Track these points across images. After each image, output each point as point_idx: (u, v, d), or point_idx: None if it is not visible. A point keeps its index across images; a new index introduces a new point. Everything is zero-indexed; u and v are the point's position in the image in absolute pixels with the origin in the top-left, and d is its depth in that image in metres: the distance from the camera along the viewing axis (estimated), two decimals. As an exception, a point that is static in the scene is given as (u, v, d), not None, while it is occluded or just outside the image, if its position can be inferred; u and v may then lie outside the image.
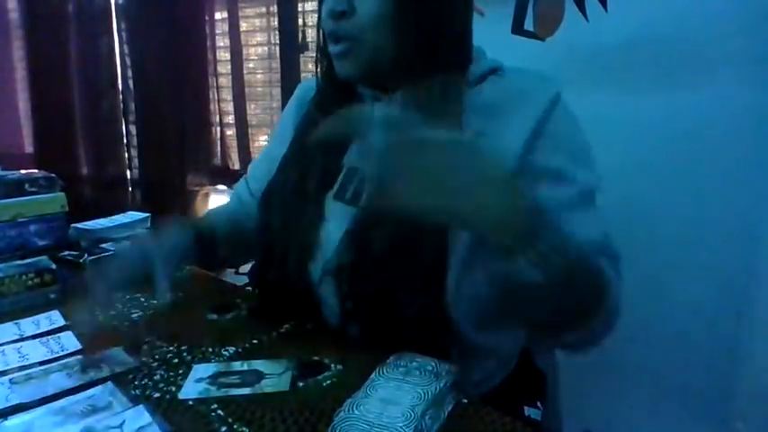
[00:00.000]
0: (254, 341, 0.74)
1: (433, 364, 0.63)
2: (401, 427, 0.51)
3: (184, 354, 0.71)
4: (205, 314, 0.83)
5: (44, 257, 0.94)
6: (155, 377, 0.65)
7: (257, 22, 1.90)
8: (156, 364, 0.68)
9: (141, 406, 0.57)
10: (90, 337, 0.71)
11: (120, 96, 2.18)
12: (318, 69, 0.78)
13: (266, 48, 1.89)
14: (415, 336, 0.67)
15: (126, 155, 2.21)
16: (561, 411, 0.85)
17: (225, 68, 1.91)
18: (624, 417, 1.23)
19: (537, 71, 0.73)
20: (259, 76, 1.92)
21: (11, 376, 0.64)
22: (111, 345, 0.71)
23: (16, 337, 0.75)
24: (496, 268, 0.53)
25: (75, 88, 2.23)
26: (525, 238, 0.49)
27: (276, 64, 1.81)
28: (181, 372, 0.66)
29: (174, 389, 0.62)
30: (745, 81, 1.01)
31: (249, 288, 0.87)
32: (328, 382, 0.63)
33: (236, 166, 1.94)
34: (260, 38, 1.91)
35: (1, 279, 0.84)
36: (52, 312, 0.83)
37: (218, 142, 1.95)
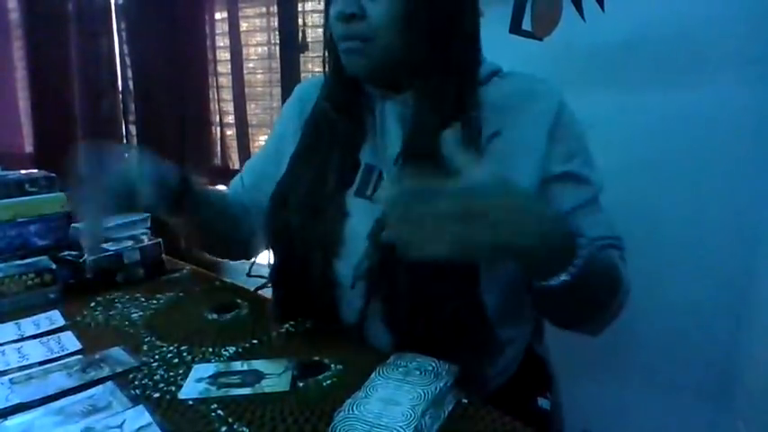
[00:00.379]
0: (254, 341, 0.74)
1: (433, 364, 0.63)
2: (401, 427, 0.51)
3: (184, 354, 0.71)
4: (205, 314, 0.83)
5: (44, 257, 0.94)
6: (155, 377, 0.65)
7: (257, 22, 1.90)
8: (156, 364, 0.68)
9: (141, 406, 0.58)
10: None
11: (120, 96, 2.18)
12: (326, 67, 0.78)
13: (266, 48, 1.89)
14: (451, 334, 0.69)
15: (126, 155, 2.21)
16: (561, 398, 0.86)
17: (225, 68, 1.90)
18: (624, 416, 1.23)
19: (533, 74, 0.76)
20: (259, 76, 1.92)
21: (11, 376, 0.64)
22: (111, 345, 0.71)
23: (16, 337, 0.76)
24: (535, 283, 0.58)
25: (75, 88, 2.23)
26: (566, 259, 0.55)
27: (276, 64, 1.81)
28: (181, 372, 0.66)
29: (174, 389, 0.62)
30: (745, 81, 1.01)
31: (271, 287, 0.84)
32: (328, 382, 0.63)
33: (236, 166, 1.94)
34: (260, 38, 1.91)
35: (1, 279, 0.84)
36: (52, 312, 0.83)
37: (218, 142, 1.95)
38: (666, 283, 1.09)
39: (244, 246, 0.90)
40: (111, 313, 0.84)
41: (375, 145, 0.75)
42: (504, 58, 0.78)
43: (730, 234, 1.06)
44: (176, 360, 0.69)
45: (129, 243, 1.01)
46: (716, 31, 1.02)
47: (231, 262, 1.06)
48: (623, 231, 0.75)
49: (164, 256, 1.04)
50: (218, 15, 1.89)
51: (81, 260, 0.93)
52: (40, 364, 0.68)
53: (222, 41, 1.90)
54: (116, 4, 2.12)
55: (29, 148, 2.41)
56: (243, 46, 1.86)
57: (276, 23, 1.77)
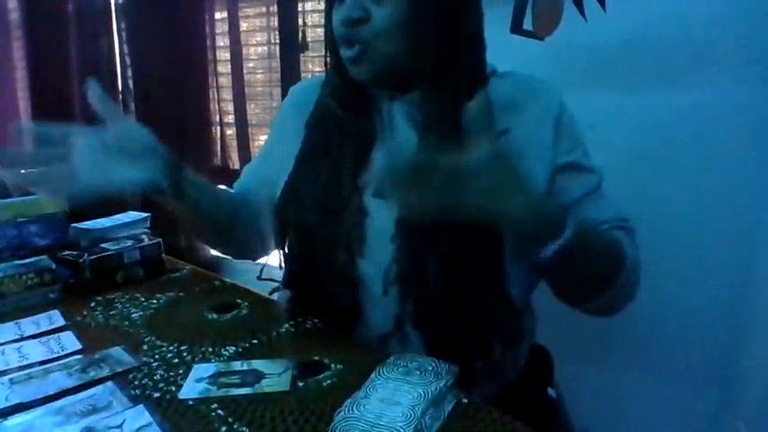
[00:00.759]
0: (254, 341, 0.74)
1: (433, 363, 0.63)
2: (401, 426, 0.51)
3: (184, 354, 0.71)
4: (205, 314, 0.83)
5: (44, 257, 0.94)
6: (155, 377, 0.65)
7: (257, 21, 1.90)
8: (156, 364, 0.68)
9: (141, 406, 0.58)
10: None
11: (120, 96, 2.18)
12: (328, 67, 0.78)
13: (266, 47, 1.89)
14: (485, 329, 0.72)
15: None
16: (562, 391, 0.88)
17: (225, 68, 1.90)
18: (624, 415, 1.23)
19: (529, 74, 0.78)
20: (259, 75, 1.92)
21: (11, 376, 0.64)
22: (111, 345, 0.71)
23: (16, 337, 0.75)
24: (534, 262, 0.63)
25: (75, 88, 2.23)
26: (556, 231, 0.60)
27: (276, 64, 1.81)
28: (181, 372, 0.66)
29: (174, 389, 0.62)
30: (745, 81, 1.00)
31: (285, 288, 0.84)
32: (328, 382, 0.63)
33: (236, 166, 1.94)
34: (260, 38, 1.91)
35: (1, 279, 0.84)
36: (52, 312, 0.83)
37: (218, 142, 1.95)
38: (666, 282, 1.09)
39: (242, 244, 0.90)
40: (111, 313, 0.84)
41: (385, 143, 0.76)
42: (504, 58, 0.78)
43: (730, 234, 1.06)
44: (176, 360, 0.69)
45: (129, 243, 1.00)
46: (716, 32, 1.02)
47: (232, 261, 1.06)
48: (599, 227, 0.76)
49: (164, 256, 1.04)
50: (218, 15, 1.89)
51: (81, 260, 0.93)
52: (40, 363, 0.68)
53: (222, 41, 1.90)
54: (116, 4, 2.13)
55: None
56: (243, 46, 1.86)
57: (276, 23, 1.77)
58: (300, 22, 1.67)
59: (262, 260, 0.93)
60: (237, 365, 0.67)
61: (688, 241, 1.09)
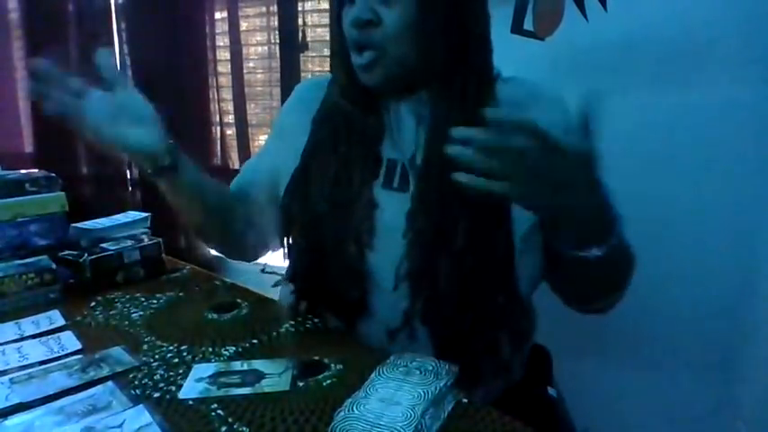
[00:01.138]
0: (254, 341, 0.74)
1: (433, 363, 0.63)
2: (401, 426, 0.51)
3: (184, 354, 0.71)
4: (205, 314, 0.83)
5: (44, 257, 0.94)
6: (155, 377, 0.65)
7: (257, 21, 1.90)
8: (156, 363, 0.68)
9: (141, 406, 0.58)
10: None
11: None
12: (335, 69, 0.79)
13: (266, 47, 1.89)
14: (495, 325, 0.72)
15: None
16: (562, 391, 0.88)
17: (225, 68, 1.90)
18: (624, 415, 1.23)
19: (533, 80, 0.78)
20: (259, 75, 1.92)
21: (11, 376, 0.64)
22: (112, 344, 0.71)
23: (16, 337, 0.75)
24: (570, 255, 0.62)
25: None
26: (604, 232, 0.60)
27: (276, 63, 1.81)
28: (181, 372, 0.66)
29: (174, 389, 0.62)
30: (746, 81, 1.00)
31: (290, 282, 0.84)
32: (328, 382, 0.63)
33: (236, 166, 1.94)
34: (260, 37, 1.90)
35: (1, 279, 0.84)
36: (52, 312, 0.83)
37: (218, 142, 1.95)
38: (667, 281, 1.09)
39: (239, 240, 0.88)
40: (111, 313, 0.84)
41: (393, 140, 0.76)
42: (505, 58, 0.78)
43: (731, 234, 1.06)
44: (176, 360, 0.69)
45: (129, 243, 1.00)
46: (717, 31, 1.02)
47: (232, 261, 1.06)
48: (624, 231, 0.75)
49: (164, 255, 1.04)
50: (218, 15, 1.89)
51: (81, 260, 0.93)
52: (41, 363, 0.68)
53: (222, 41, 1.90)
54: (116, 4, 2.12)
55: (29, 148, 2.41)
56: (243, 45, 1.86)
57: (276, 23, 1.77)
58: (300, 21, 1.67)
59: (262, 259, 0.93)
60: (237, 365, 0.67)
61: (688, 241, 1.09)
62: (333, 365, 0.67)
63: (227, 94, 1.91)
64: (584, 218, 0.59)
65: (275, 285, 0.87)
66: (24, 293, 0.86)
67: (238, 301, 0.87)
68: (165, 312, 0.85)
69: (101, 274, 0.94)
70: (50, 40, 2.22)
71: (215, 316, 0.82)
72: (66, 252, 0.98)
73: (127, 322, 0.81)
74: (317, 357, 0.68)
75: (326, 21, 1.65)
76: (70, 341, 0.74)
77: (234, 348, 0.72)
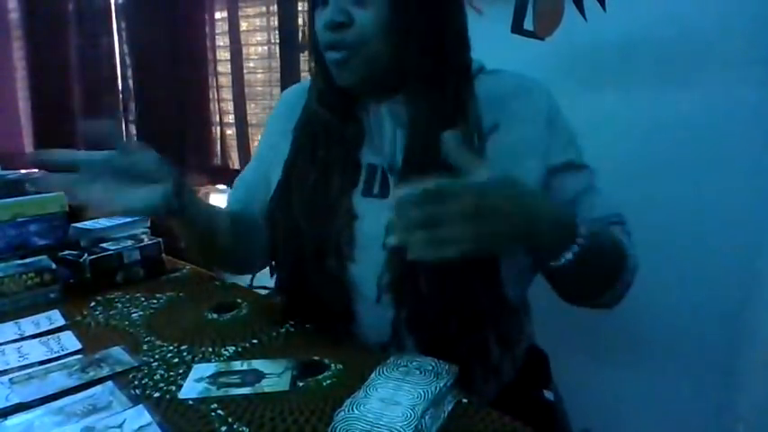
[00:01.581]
0: (254, 341, 0.74)
1: (433, 363, 0.63)
2: (401, 426, 0.51)
3: (184, 354, 0.71)
4: (205, 314, 0.83)
5: (44, 257, 0.94)
6: (155, 377, 0.65)
7: (257, 21, 1.90)
8: (156, 363, 0.68)
9: (141, 406, 0.58)
10: None
11: (120, 96, 2.18)
12: (312, 71, 0.78)
13: (266, 47, 1.89)
14: (480, 329, 0.72)
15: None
16: (560, 393, 0.88)
17: (225, 68, 1.90)
18: (624, 416, 1.23)
19: (518, 71, 0.77)
20: (259, 75, 1.92)
21: (11, 376, 0.64)
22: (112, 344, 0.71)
23: (16, 337, 0.75)
24: (544, 264, 0.63)
25: (75, 88, 2.23)
26: (569, 239, 0.59)
27: (276, 63, 1.81)
28: (181, 372, 0.66)
29: (174, 389, 0.62)
30: (748, 81, 1.00)
31: (278, 294, 0.84)
32: (328, 382, 0.63)
33: (236, 166, 1.94)
34: (260, 37, 1.90)
35: (1, 279, 0.84)
36: (52, 312, 0.83)
37: (218, 142, 1.95)
38: (667, 281, 1.09)
39: (244, 260, 0.88)
40: (111, 313, 0.84)
41: (373, 144, 0.75)
42: (505, 57, 0.77)
43: (732, 234, 1.05)
44: (176, 360, 0.69)
45: (129, 243, 1.01)
46: (719, 31, 1.02)
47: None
48: (597, 224, 0.76)
49: (164, 255, 1.04)
50: (218, 15, 1.89)
51: (81, 260, 0.93)
52: (40, 363, 0.68)
53: (222, 41, 1.90)
54: (116, 4, 2.12)
55: (29, 148, 2.41)
56: (243, 45, 1.86)
57: (276, 23, 1.77)
58: (300, 21, 1.67)
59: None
60: (237, 365, 0.67)
61: (689, 242, 1.09)
62: (333, 365, 0.67)
63: (227, 94, 1.91)
64: (544, 236, 0.58)
65: (264, 299, 0.87)
66: (24, 293, 0.86)
67: (238, 301, 0.87)
68: (165, 312, 0.85)
69: (101, 274, 0.94)
70: (50, 40, 2.23)
71: (215, 316, 0.82)
72: (66, 252, 0.98)
73: (127, 322, 0.81)
74: (316, 357, 0.68)
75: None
76: (70, 341, 0.74)
77: (234, 348, 0.72)
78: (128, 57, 2.11)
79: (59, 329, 0.78)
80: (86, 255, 0.94)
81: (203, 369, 0.66)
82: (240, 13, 1.84)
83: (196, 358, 0.69)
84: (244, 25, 1.87)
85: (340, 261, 0.72)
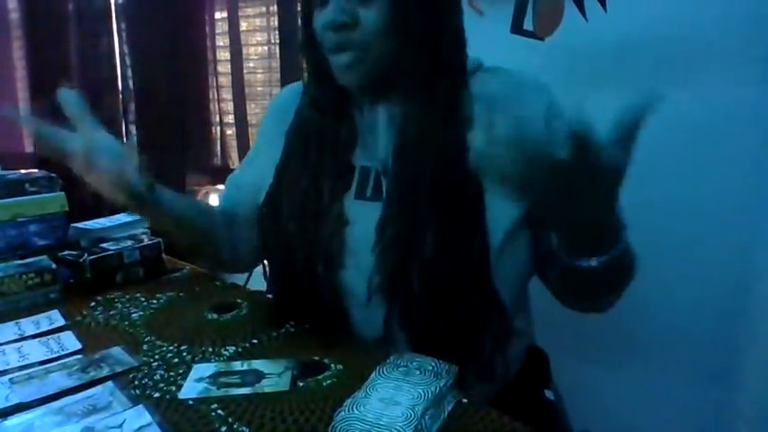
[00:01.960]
0: (254, 341, 0.74)
1: (433, 363, 0.63)
2: (401, 426, 0.51)
3: (184, 354, 0.71)
4: (205, 314, 0.83)
5: (44, 257, 0.94)
6: (155, 377, 0.65)
7: (257, 21, 1.90)
8: (156, 363, 0.68)
9: (141, 406, 0.58)
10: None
11: (120, 96, 2.18)
12: (306, 72, 0.77)
13: (266, 47, 1.89)
14: (471, 327, 0.71)
15: (126, 155, 2.20)
16: (560, 393, 0.87)
17: (225, 68, 1.90)
18: (624, 415, 1.23)
19: (516, 68, 0.76)
20: (259, 75, 1.92)
21: (11, 376, 0.64)
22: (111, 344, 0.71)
23: (16, 337, 0.75)
24: (565, 262, 0.61)
25: (75, 88, 2.23)
26: (608, 244, 0.59)
27: (276, 63, 1.81)
28: (181, 372, 0.66)
29: (174, 389, 0.62)
30: (748, 81, 1.00)
31: (270, 296, 0.84)
32: (328, 382, 0.63)
33: (236, 166, 1.94)
34: (260, 37, 1.91)
35: (1, 279, 0.84)
36: (52, 312, 0.83)
37: (218, 142, 1.95)
38: (666, 281, 1.09)
39: (230, 259, 0.88)
40: (111, 313, 0.84)
41: (366, 146, 0.75)
42: (505, 58, 0.77)
43: (731, 234, 1.06)
44: (176, 360, 0.69)
45: (129, 243, 1.00)
46: (718, 31, 1.02)
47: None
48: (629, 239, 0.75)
49: (164, 255, 1.04)
50: (217, 15, 1.89)
51: (81, 260, 0.93)
52: (41, 363, 0.68)
53: (222, 41, 1.91)
54: (116, 4, 2.12)
55: (29, 148, 2.41)
56: (243, 46, 1.86)
57: (276, 23, 1.77)
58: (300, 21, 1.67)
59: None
60: (237, 365, 0.67)
61: (689, 242, 1.09)
62: (333, 365, 0.67)
63: (227, 94, 1.91)
64: (596, 230, 0.58)
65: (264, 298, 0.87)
66: (24, 293, 0.86)
67: (238, 301, 0.87)
68: (165, 312, 0.85)
69: (101, 274, 0.94)
70: (50, 39, 2.22)
71: (215, 316, 0.82)
72: (66, 252, 0.98)
73: (127, 322, 0.81)
74: (316, 357, 0.68)
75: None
76: (70, 341, 0.74)
77: (234, 348, 0.72)
78: (128, 57, 2.11)
79: (59, 329, 0.78)
80: (86, 255, 0.94)
81: (203, 369, 0.66)
82: (240, 13, 1.84)
83: (196, 358, 0.69)
84: (244, 25, 1.87)
85: (330, 268, 0.72)
